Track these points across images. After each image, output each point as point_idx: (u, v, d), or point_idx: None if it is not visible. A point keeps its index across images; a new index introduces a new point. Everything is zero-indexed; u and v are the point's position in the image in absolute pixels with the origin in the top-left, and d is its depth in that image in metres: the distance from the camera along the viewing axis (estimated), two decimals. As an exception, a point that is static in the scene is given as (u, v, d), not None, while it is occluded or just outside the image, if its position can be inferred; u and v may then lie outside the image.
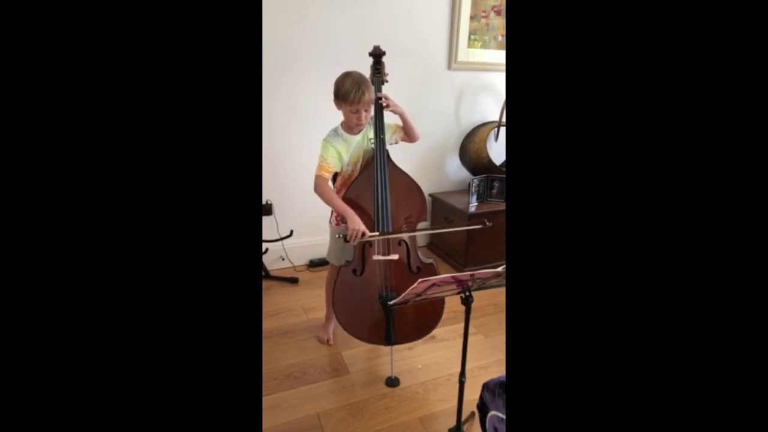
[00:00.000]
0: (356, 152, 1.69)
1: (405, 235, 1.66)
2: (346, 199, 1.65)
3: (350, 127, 1.66)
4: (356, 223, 1.54)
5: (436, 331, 1.85)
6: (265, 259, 2.54)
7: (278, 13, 2.23)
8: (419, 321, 1.74)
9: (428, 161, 2.86)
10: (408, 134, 1.73)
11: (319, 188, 1.62)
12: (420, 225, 1.77)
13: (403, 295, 1.18)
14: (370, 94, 1.56)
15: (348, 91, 1.53)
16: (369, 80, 1.60)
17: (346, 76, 1.57)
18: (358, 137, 1.68)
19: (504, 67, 2.83)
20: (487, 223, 1.62)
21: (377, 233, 1.59)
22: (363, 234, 1.54)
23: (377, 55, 1.69)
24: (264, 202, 2.49)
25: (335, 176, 1.77)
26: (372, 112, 1.64)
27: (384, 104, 1.63)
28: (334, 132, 1.69)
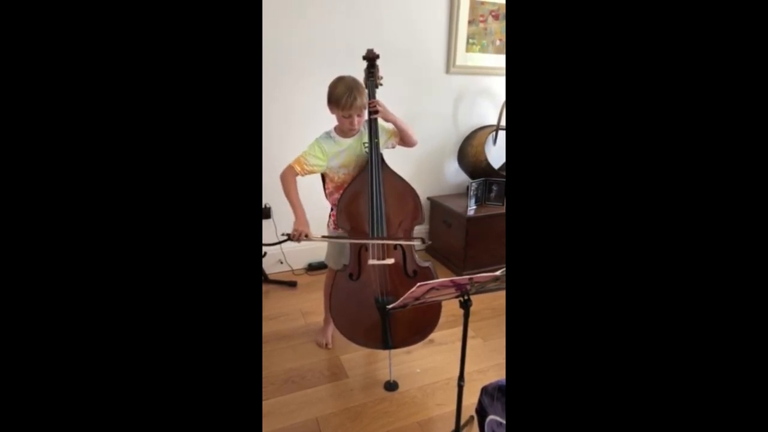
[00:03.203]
0: (348, 156, 1.69)
1: (355, 241, 1.67)
2: (343, 204, 1.65)
3: (343, 131, 1.66)
4: (299, 224, 1.60)
5: (434, 335, 1.85)
6: (264, 262, 2.53)
7: (277, 16, 2.24)
8: (416, 325, 1.74)
9: (426, 165, 2.87)
10: (404, 140, 1.73)
11: (284, 177, 1.65)
12: (417, 228, 1.77)
13: (402, 298, 1.18)
14: (363, 99, 1.56)
15: (340, 96, 1.53)
16: (362, 85, 1.60)
17: (339, 80, 1.57)
18: (350, 141, 1.68)
19: (502, 71, 2.84)
20: (426, 242, 1.76)
21: (319, 236, 1.66)
22: (307, 236, 1.59)
23: (371, 58, 1.68)
24: (263, 205, 2.48)
25: (324, 179, 1.77)
26: (366, 117, 1.64)
27: (374, 110, 1.62)
28: (327, 134, 1.70)
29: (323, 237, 1.67)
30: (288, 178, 1.64)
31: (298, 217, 1.61)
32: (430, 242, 1.73)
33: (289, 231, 1.61)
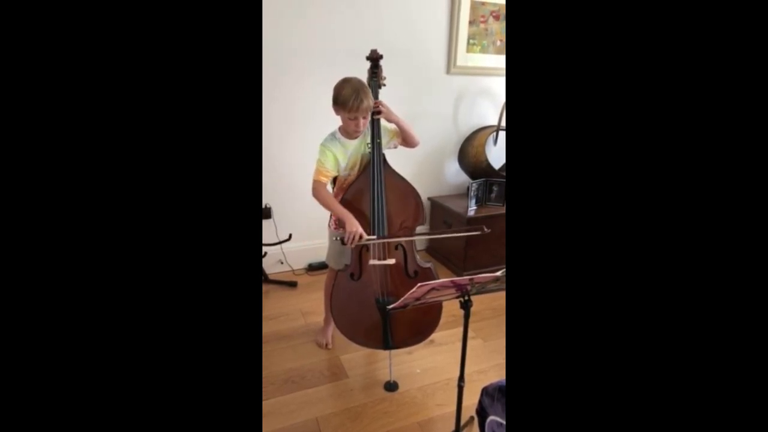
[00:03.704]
0: (354, 157, 1.69)
1: (402, 240, 1.66)
2: (344, 203, 1.65)
3: (348, 132, 1.66)
4: (354, 226, 1.56)
5: (434, 335, 1.85)
6: (264, 262, 2.53)
7: (277, 16, 2.24)
8: (417, 325, 1.74)
9: (427, 165, 2.87)
10: (406, 140, 1.74)
11: (317, 193, 1.64)
12: (418, 229, 1.77)
13: (402, 299, 1.18)
14: (369, 102, 1.56)
15: (347, 98, 1.53)
16: (368, 87, 1.60)
17: (346, 82, 1.57)
18: (355, 142, 1.68)
19: (503, 72, 2.84)
20: (486, 230, 1.60)
21: (374, 237, 1.61)
22: (360, 237, 1.56)
23: (374, 58, 1.69)
24: (263, 205, 2.49)
25: (333, 180, 1.78)
26: (370, 118, 1.64)
27: (377, 111, 1.63)
28: (332, 136, 1.69)
29: (378, 237, 1.62)
30: (320, 191, 1.63)
31: (348, 220, 1.58)
32: (489, 230, 1.63)
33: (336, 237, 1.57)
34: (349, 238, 1.55)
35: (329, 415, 1.58)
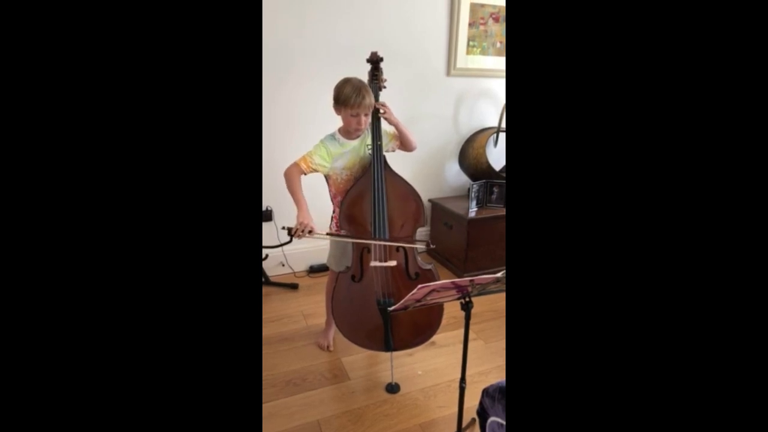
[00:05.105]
0: (351, 158, 1.70)
1: (359, 241, 1.64)
2: (345, 205, 1.65)
3: (348, 132, 1.67)
4: (305, 218, 1.53)
5: (436, 337, 1.84)
6: (265, 265, 2.53)
7: (277, 19, 2.25)
8: (418, 327, 1.74)
9: (428, 167, 2.87)
10: (404, 144, 1.75)
11: (287, 173, 1.64)
12: (420, 230, 1.77)
13: (402, 300, 1.18)
14: (371, 99, 1.59)
15: (348, 96, 1.55)
16: (368, 85, 1.62)
17: (346, 81, 1.59)
18: (354, 143, 1.69)
19: (502, 74, 2.85)
20: (431, 245, 1.65)
21: (323, 232, 1.59)
22: (311, 231, 1.51)
23: (374, 61, 1.71)
24: (264, 208, 2.49)
25: (327, 180, 1.78)
26: (371, 118, 1.65)
27: (381, 112, 1.65)
28: (332, 136, 1.70)
29: (328, 234, 1.63)
30: (293, 173, 1.64)
31: (301, 209, 1.56)
32: (434, 246, 1.68)
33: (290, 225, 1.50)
34: (296, 229, 1.51)
35: (330, 417, 1.58)
